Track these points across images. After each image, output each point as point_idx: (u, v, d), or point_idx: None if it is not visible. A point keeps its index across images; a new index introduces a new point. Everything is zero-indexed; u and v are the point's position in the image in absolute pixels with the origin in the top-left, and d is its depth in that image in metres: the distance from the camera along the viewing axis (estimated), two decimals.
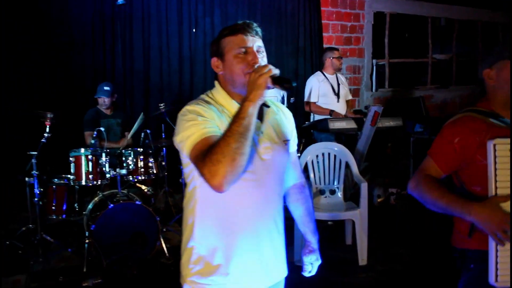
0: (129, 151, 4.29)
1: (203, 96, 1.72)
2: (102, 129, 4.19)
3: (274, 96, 5.54)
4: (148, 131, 4.56)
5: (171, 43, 6.63)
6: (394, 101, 8.27)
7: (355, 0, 7.88)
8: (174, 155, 5.30)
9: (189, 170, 1.64)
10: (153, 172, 4.42)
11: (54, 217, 4.28)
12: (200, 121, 1.53)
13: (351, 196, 4.65)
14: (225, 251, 1.62)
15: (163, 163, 4.78)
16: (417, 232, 4.62)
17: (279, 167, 1.72)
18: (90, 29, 6.05)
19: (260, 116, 1.67)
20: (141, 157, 4.34)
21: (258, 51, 1.66)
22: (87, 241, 3.95)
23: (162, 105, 4.71)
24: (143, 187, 4.65)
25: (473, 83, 9.87)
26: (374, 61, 8.32)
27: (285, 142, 1.76)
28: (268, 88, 1.50)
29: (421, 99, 8.66)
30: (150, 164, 4.40)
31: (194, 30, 6.72)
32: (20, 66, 5.48)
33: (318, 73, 5.51)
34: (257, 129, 1.64)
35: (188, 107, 1.61)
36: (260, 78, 1.48)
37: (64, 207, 4.31)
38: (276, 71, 1.51)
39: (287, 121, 1.84)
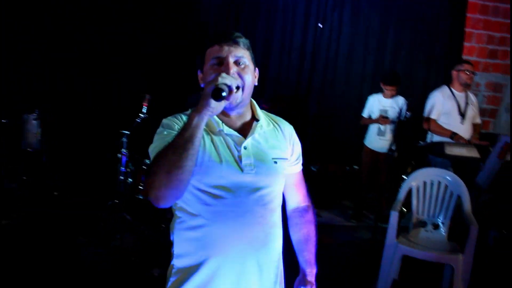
0: None
1: (190, 110, 1.59)
2: None
3: (391, 106, 5.03)
4: None
5: (294, 37, 6.40)
6: None
7: (509, 8, 6.87)
8: None
9: None
10: None
11: (141, 197, 4.31)
12: (166, 134, 1.50)
13: (458, 235, 4.01)
14: (202, 271, 1.52)
15: None
16: None
17: (264, 187, 1.56)
18: (214, 13, 6.04)
19: (247, 132, 1.60)
20: None
21: (237, 62, 1.54)
22: (163, 226, 3.91)
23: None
24: None
25: None
26: None
27: (275, 160, 1.61)
28: (216, 99, 1.36)
29: None
30: None
31: (321, 25, 6.39)
32: (138, 46, 5.66)
33: (444, 87, 4.83)
34: (238, 144, 1.56)
35: (163, 120, 1.60)
36: (206, 88, 1.39)
37: None
38: (224, 81, 1.39)
39: (283, 138, 1.70)
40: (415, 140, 5.10)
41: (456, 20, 6.74)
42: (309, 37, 6.43)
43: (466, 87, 4.74)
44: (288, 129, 1.74)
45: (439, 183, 3.84)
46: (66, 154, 5.20)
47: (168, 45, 5.82)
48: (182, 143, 1.33)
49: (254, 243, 1.54)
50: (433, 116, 4.71)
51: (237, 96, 1.48)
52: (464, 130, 4.66)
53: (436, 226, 3.81)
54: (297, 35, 6.40)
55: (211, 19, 6.04)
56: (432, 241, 3.74)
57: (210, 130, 1.55)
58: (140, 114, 3.98)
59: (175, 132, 1.46)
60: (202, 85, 1.58)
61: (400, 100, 5.02)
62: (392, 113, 5.01)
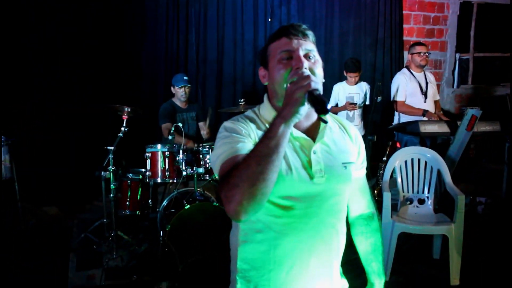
0: (207, 149, 4.10)
1: (249, 111, 1.55)
2: (180, 124, 4.02)
3: (356, 93, 5.20)
4: None
5: (245, 33, 6.42)
6: (477, 99, 7.69)
7: None
8: None
9: None
10: None
11: (128, 212, 4.19)
12: (233, 140, 1.37)
13: (441, 207, 4.26)
14: (272, 285, 1.45)
15: None
16: (508, 247, 4.17)
17: (336, 195, 1.47)
18: (164, 18, 5.95)
19: (314, 134, 1.46)
20: None
21: (307, 56, 1.40)
22: (161, 240, 3.82)
23: (242, 100, 4.47)
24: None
25: None
26: (457, 55, 7.74)
27: (345, 165, 1.48)
28: (320, 113, 1.24)
29: (508, 97, 8.01)
30: None
31: (269, 19, 6.47)
32: (90, 58, 5.46)
33: (404, 70, 5.08)
34: (308, 149, 1.44)
35: (225, 124, 1.46)
36: (296, 92, 1.23)
37: (138, 203, 4.22)
38: (316, 86, 1.24)
39: (351, 141, 1.58)
40: (381, 122, 5.32)
41: (394, 3, 7.06)
42: (260, 33, 6.48)
43: (421, 68, 5.00)
44: (354, 131, 1.62)
45: (419, 160, 4.05)
46: (41, 178, 4.92)
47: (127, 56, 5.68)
48: (267, 153, 1.20)
49: (328, 257, 1.48)
50: (401, 98, 4.93)
51: None
52: (428, 108, 4.92)
53: (421, 201, 4.02)
54: (248, 32, 6.42)
55: (163, 17, 5.93)
56: (420, 215, 3.94)
57: None
58: (121, 128, 3.85)
59: (242, 137, 1.38)
60: (266, 84, 1.50)
61: (364, 86, 5.21)
62: (358, 99, 5.18)
